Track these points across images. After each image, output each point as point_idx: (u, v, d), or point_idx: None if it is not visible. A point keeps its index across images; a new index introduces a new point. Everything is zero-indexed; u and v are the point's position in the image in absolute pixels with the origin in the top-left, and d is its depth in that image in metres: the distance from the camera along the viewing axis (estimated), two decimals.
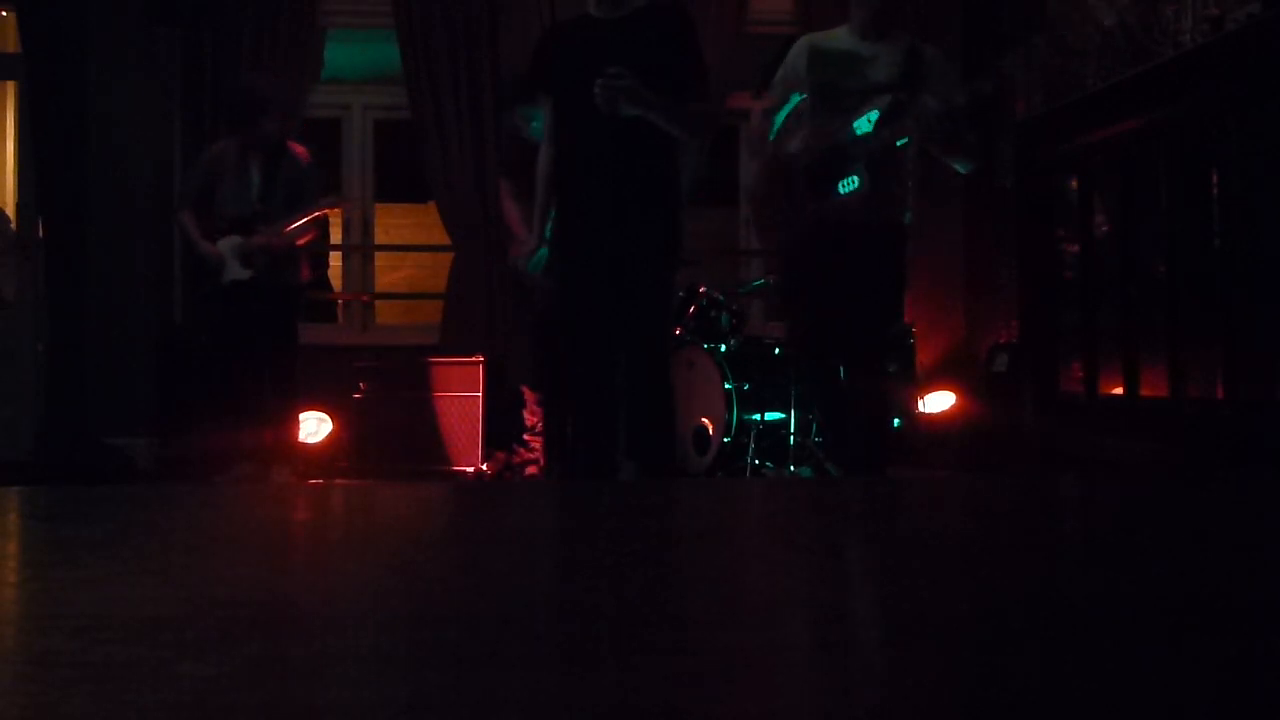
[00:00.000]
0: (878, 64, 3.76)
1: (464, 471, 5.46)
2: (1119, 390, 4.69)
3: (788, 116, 3.93)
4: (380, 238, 7.26)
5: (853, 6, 3.88)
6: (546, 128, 3.77)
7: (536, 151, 4.82)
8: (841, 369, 3.82)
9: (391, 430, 5.58)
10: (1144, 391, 4.51)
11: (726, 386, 5.23)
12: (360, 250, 6.80)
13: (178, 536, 1.50)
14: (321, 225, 5.71)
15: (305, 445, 5.72)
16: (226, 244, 5.10)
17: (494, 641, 0.85)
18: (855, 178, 3.64)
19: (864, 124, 3.65)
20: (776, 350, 5.43)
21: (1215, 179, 4.06)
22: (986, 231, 6.34)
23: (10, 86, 6.43)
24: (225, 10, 6.19)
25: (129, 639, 0.85)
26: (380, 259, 7.30)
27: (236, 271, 5.09)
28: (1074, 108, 5.03)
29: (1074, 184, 5.08)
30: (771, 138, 3.95)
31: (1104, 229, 4.86)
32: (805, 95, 3.86)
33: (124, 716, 0.66)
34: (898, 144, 3.72)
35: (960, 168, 3.84)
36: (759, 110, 4.03)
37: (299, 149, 5.30)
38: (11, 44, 6.23)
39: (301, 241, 5.24)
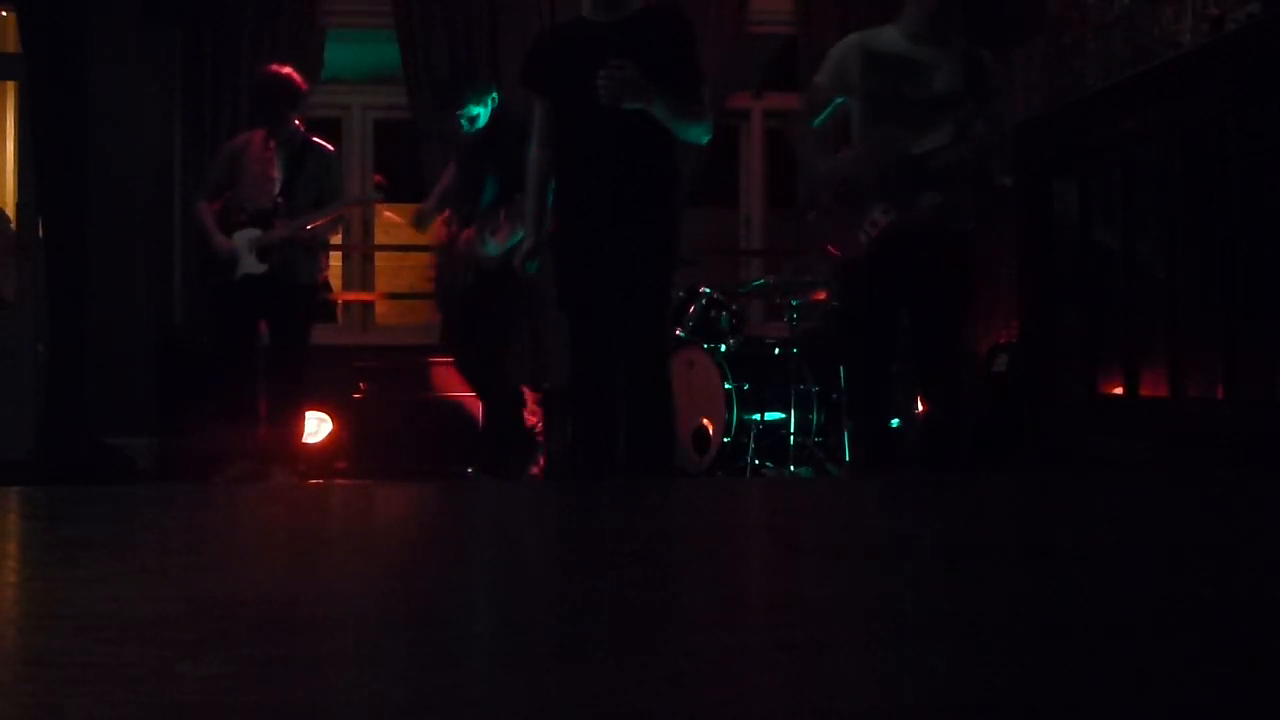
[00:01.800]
0: (940, 73, 3.61)
1: (464, 471, 5.46)
2: (1119, 390, 4.69)
3: (823, 122, 3.85)
4: (380, 238, 7.26)
5: (907, 5, 3.69)
6: (540, 130, 3.75)
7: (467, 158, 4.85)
8: (908, 377, 3.80)
9: (391, 430, 5.57)
10: (1144, 391, 4.52)
11: (726, 386, 5.23)
12: (360, 250, 6.80)
13: (178, 536, 1.50)
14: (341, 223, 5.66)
15: (305, 445, 5.72)
16: (242, 237, 5.03)
17: (494, 641, 0.85)
18: (934, 194, 3.58)
19: (942, 137, 3.56)
20: (776, 350, 5.43)
21: (1215, 179, 4.07)
22: (986, 231, 6.33)
23: (10, 86, 6.42)
24: (225, 10, 6.19)
25: (129, 639, 0.85)
26: (380, 259, 7.30)
27: (250, 265, 5.01)
28: (1074, 108, 5.03)
29: (1074, 184, 5.09)
30: (809, 142, 3.87)
31: (1104, 229, 4.87)
32: (850, 100, 3.73)
33: (124, 716, 0.66)
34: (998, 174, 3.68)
35: (1007, 179, 3.79)
36: (802, 116, 3.90)
37: (324, 144, 5.25)
38: (11, 44, 6.23)
39: (334, 236, 5.19)
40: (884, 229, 3.61)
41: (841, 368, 5.21)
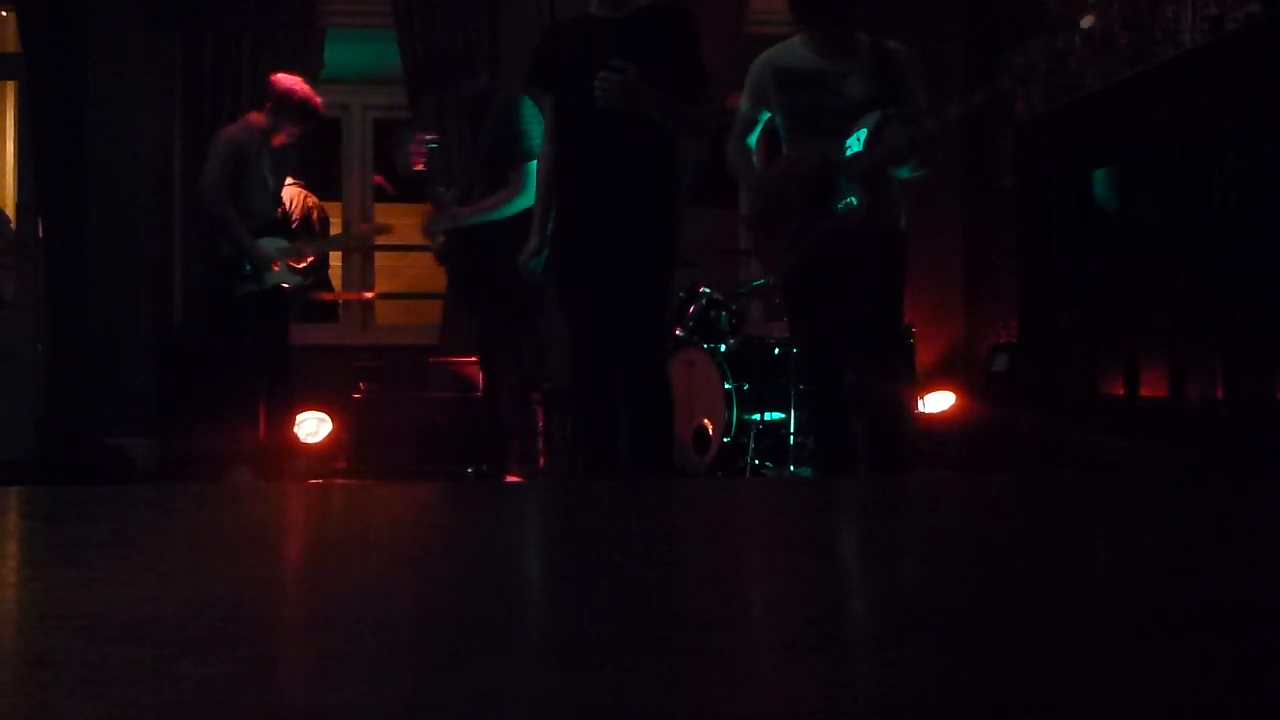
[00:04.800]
0: (851, 80, 3.62)
1: (464, 471, 5.46)
2: (1119, 390, 4.69)
3: (758, 139, 3.89)
4: (380, 238, 7.25)
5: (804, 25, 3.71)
6: (547, 127, 3.79)
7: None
8: (850, 375, 3.79)
9: (391, 430, 5.58)
10: (1144, 391, 4.52)
11: (726, 386, 5.23)
12: (360, 250, 6.80)
13: (178, 536, 1.50)
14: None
15: (305, 445, 5.72)
16: (270, 245, 5.02)
17: (494, 641, 0.85)
18: (853, 198, 3.58)
19: (854, 143, 3.57)
20: (776, 350, 5.43)
21: (1215, 179, 4.07)
22: (986, 231, 6.33)
23: (10, 86, 6.43)
24: (225, 10, 6.19)
25: (129, 639, 0.85)
26: (380, 259, 7.30)
27: (285, 276, 5.05)
28: (1074, 108, 5.03)
29: (1074, 184, 5.09)
30: (753, 162, 3.90)
31: (1104, 229, 4.86)
32: (775, 115, 3.76)
33: (124, 716, 0.66)
34: (898, 171, 3.64)
35: (907, 172, 3.70)
36: (733, 137, 3.92)
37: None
38: (11, 44, 6.23)
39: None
40: (806, 239, 3.64)
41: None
